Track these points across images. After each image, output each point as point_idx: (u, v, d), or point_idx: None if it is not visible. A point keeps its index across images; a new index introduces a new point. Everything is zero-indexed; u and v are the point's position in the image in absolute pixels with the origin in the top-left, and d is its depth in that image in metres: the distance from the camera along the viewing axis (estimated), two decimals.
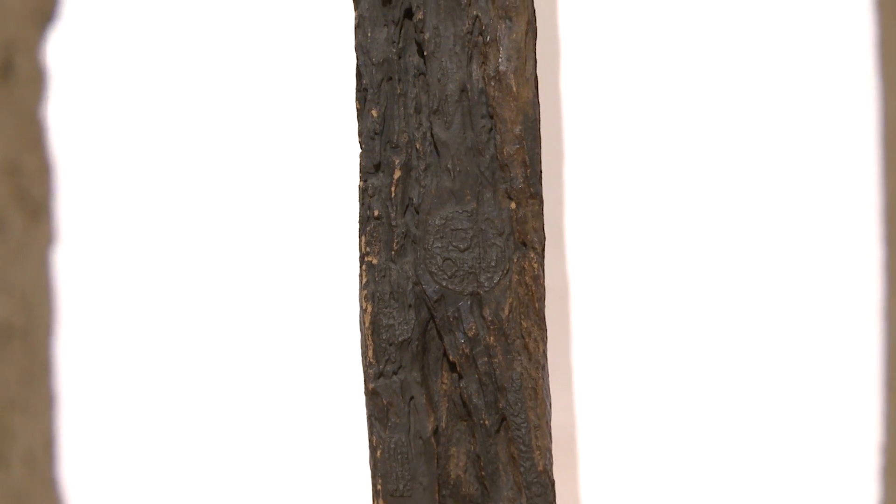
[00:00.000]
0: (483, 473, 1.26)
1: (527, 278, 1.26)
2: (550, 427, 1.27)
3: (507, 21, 1.26)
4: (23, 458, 0.48)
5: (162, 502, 1.57)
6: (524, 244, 1.26)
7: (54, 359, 0.50)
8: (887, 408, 0.52)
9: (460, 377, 1.27)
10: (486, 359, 1.26)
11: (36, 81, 0.49)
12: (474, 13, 1.26)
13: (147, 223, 1.57)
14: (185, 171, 1.57)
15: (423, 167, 1.28)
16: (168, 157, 1.57)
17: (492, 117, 1.26)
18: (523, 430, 1.25)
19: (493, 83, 1.26)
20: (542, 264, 1.26)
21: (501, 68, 1.26)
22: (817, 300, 1.46)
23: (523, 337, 1.26)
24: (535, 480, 1.25)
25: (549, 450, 1.26)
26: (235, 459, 1.56)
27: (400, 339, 1.28)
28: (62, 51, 1.58)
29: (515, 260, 1.26)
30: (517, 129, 1.26)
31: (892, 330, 0.51)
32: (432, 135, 1.27)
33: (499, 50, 1.26)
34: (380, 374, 1.28)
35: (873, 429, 1.39)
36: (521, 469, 1.25)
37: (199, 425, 1.56)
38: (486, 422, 1.26)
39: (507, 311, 1.26)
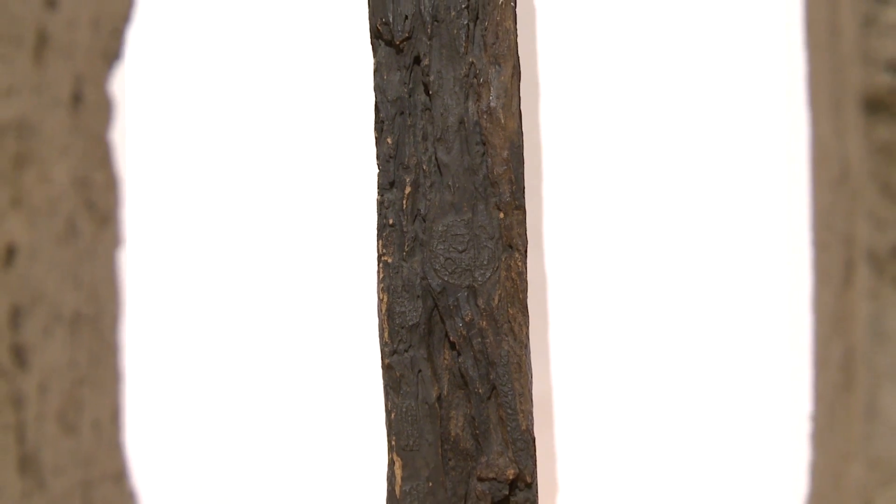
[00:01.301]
0: (477, 432, 1.25)
1: (513, 274, 1.26)
2: (532, 394, 1.26)
3: (496, 66, 1.26)
4: (91, 426, 0.46)
5: (211, 460, 1.55)
6: (510, 246, 1.26)
7: (119, 342, 0.48)
8: (815, 384, 0.50)
9: (459, 354, 1.26)
10: (479, 339, 1.25)
11: (104, 109, 0.47)
12: (470, 60, 1.26)
13: (198, 229, 1.57)
14: (235, 185, 1.56)
15: (428, 184, 1.27)
16: (220, 174, 1.56)
17: (484, 144, 1.26)
18: (510, 397, 1.24)
19: (485, 116, 1.26)
20: (525, 263, 1.26)
21: (492, 104, 1.26)
22: (757, 292, 1.45)
23: (510, 322, 1.25)
24: (519, 437, 1.24)
25: (531, 413, 1.25)
26: (273, 421, 1.55)
27: (410, 324, 1.27)
28: (128, 83, 1.58)
29: (503, 259, 1.26)
30: (505, 154, 1.26)
31: (818, 319, 0.49)
32: (436, 158, 1.27)
33: (490, 90, 1.26)
34: (394, 352, 1.27)
35: (804, 401, 1.38)
36: (508, 428, 1.25)
37: (245, 395, 1.55)
38: (480, 390, 1.25)
39: (496, 301, 1.25)
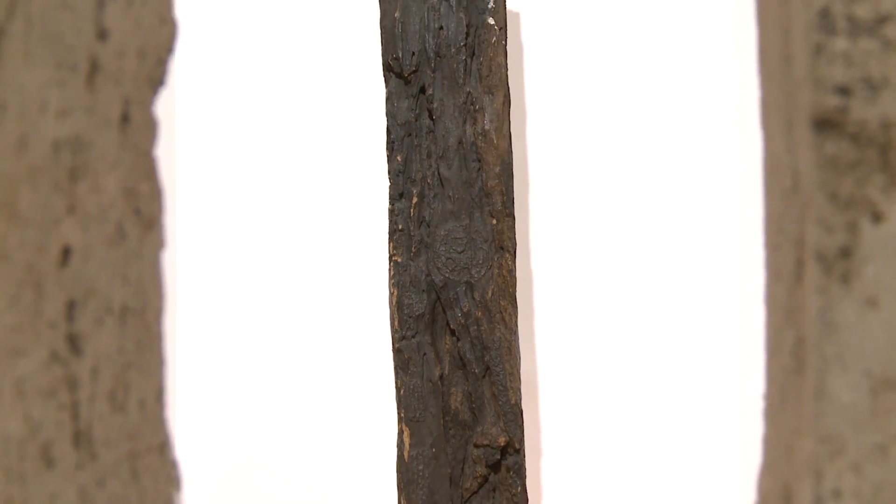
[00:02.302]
0: (473, 406, 1.24)
1: (504, 271, 1.24)
2: (520, 373, 1.25)
3: (490, 95, 1.25)
4: (138, 404, 0.45)
5: (244, 434, 1.54)
6: (502, 248, 1.25)
7: (162, 331, 0.47)
8: (768, 368, 0.49)
9: (458, 339, 1.25)
10: (475, 327, 1.24)
11: (149, 128, 0.46)
12: (467, 90, 1.25)
13: (238, 234, 1.56)
14: (268, 197, 1.55)
15: (432, 195, 1.26)
16: (257, 188, 1.55)
17: (479, 161, 1.25)
18: (501, 376, 1.23)
19: (480, 138, 1.25)
20: (514, 262, 1.25)
21: (486, 127, 1.25)
22: (716, 287, 1.44)
23: (501, 312, 1.24)
24: (509, 410, 1.23)
25: (519, 389, 1.24)
26: (299, 398, 1.53)
27: (416, 314, 1.26)
28: (169, 105, 1.57)
29: (496, 259, 1.25)
30: (497, 169, 1.25)
31: (771, 311, 0.48)
32: (439, 173, 1.26)
33: (484, 115, 1.25)
34: (403, 338, 1.26)
35: (759, 382, 1.36)
36: (500, 402, 1.23)
37: (274, 376, 1.54)
38: (476, 370, 1.24)
39: (490, 294, 1.24)
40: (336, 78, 1.53)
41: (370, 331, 1.50)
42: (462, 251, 1.25)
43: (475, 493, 1.24)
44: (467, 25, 1.25)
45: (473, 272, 1.25)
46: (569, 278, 1.47)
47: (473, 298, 1.24)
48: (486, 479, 1.24)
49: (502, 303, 1.24)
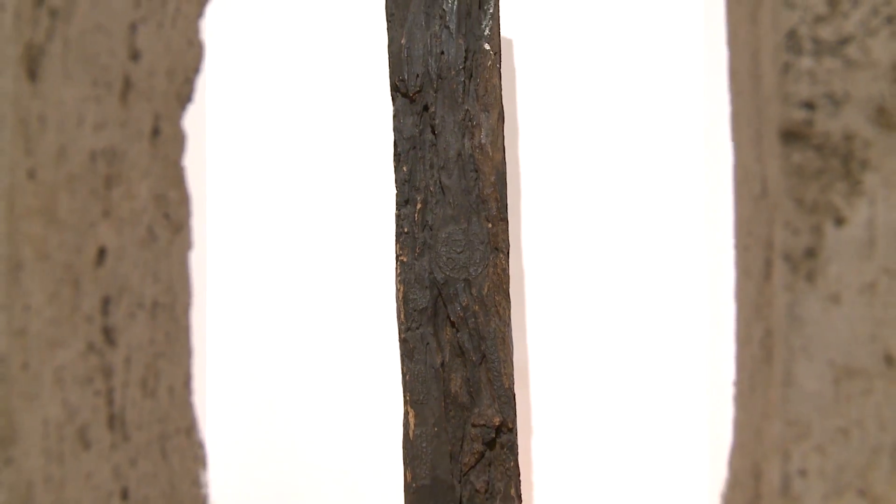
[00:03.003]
0: (471, 390, 1.23)
1: (498, 270, 1.24)
2: (513, 361, 1.24)
3: (485, 112, 1.24)
4: (167, 390, 0.44)
5: (266, 416, 1.53)
6: (496, 249, 1.24)
7: (190, 324, 0.46)
8: (738, 357, 0.48)
9: (457, 330, 1.24)
10: (473, 319, 1.23)
11: (177, 141, 0.45)
12: (466, 108, 1.24)
13: (257, 236, 1.55)
14: (288, 204, 1.54)
15: (434, 202, 1.25)
16: (279, 195, 1.55)
17: (477, 171, 1.24)
18: (496, 363, 1.22)
19: (477, 150, 1.24)
20: (507, 261, 1.24)
21: (483, 141, 1.24)
22: (691, 286, 1.43)
23: (496, 306, 1.23)
24: (503, 394, 1.22)
25: (512, 375, 1.23)
26: (316, 383, 1.52)
27: (420, 307, 1.25)
28: (198, 119, 1.56)
29: (491, 259, 1.24)
30: (492, 179, 1.24)
31: (740, 306, 0.47)
32: (440, 182, 1.25)
33: (481, 130, 1.24)
34: (408, 329, 1.25)
35: (730, 371, 1.35)
36: (495, 387, 1.22)
37: (292, 363, 1.53)
38: (473, 358, 1.23)
39: (486, 290, 1.23)
40: (349, 98, 1.53)
41: (379, 323, 1.49)
42: (461, 252, 1.24)
43: (473, 467, 1.23)
44: (466, 50, 1.24)
45: (471, 270, 1.24)
46: (556, 276, 1.46)
47: (471, 294, 1.24)
48: (482, 455, 1.23)
49: (497, 298, 1.23)
